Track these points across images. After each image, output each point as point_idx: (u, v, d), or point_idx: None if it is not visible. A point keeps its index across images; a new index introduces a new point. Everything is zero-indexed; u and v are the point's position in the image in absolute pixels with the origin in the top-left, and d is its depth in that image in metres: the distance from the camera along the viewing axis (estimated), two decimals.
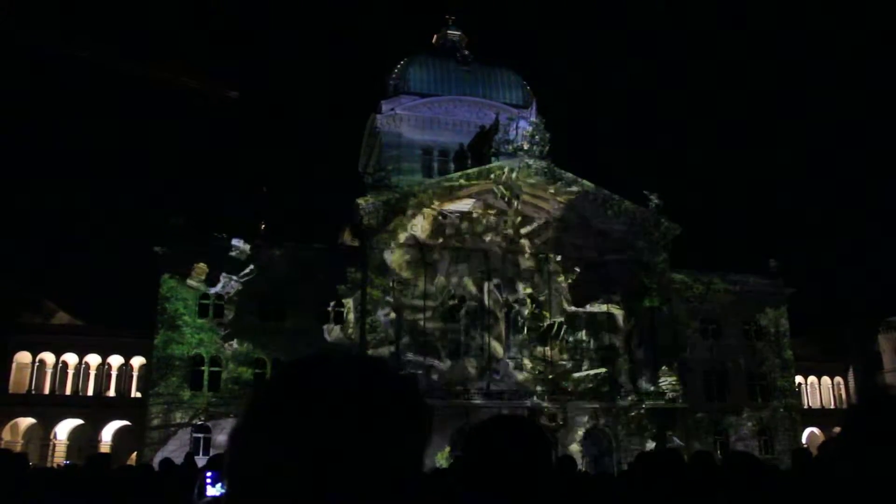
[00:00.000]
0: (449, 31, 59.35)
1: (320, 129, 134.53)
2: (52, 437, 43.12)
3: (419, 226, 42.67)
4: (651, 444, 39.38)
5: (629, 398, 42.07)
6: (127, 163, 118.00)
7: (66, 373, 43.59)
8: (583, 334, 43.50)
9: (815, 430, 49.95)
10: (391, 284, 41.32)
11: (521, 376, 41.67)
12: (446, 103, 52.35)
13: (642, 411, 41.83)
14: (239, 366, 40.18)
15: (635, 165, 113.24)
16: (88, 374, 43.88)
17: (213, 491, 6.72)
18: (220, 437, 37.73)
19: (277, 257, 41.72)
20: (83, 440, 42.89)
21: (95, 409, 43.01)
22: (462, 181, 44.06)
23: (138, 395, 43.56)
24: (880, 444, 1.44)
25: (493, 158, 45.82)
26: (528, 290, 43.21)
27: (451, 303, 42.36)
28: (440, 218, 43.06)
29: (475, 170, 45.22)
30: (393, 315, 40.89)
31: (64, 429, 44.07)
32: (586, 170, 47.64)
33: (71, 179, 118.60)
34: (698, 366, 46.06)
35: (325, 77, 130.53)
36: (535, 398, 40.68)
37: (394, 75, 54.21)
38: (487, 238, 43.53)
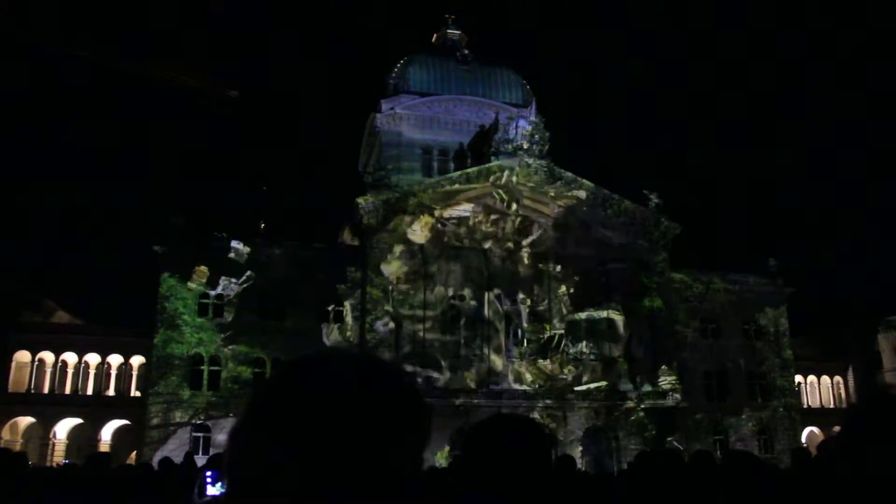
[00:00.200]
0: (449, 31, 59.36)
1: (320, 129, 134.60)
2: (51, 436, 43.14)
3: (418, 233, 42.43)
4: (651, 444, 39.38)
5: (629, 398, 42.06)
6: (127, 162, 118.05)
7: (66, 372, 43.61)
8: (583, 346, 42.90)
9: (815, 429, 50.01)
10: (390, 292, 41.07)
11: (521, 389, 41.50)
12: (446, 102, 52.35)
13: (642, 411, 41.83)
14: (238, 365, 40.17)
15: (635, 165, 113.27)
16: (88, 374, 43.90)
17: (214, 490, 6.73)
18: (220, 437, 37.71)
19: (277, 256, 41.70)
20: (82, 439, 42.90)
21: (95, 409, 43.03)
22: (460, 184, 43.87)
23: (138, 394, 43.58)
24: (880, 444, 1.44)
25: (492, 158, 45.81)
26: (528, 301, 42.84)
27: (450, 313, 42.02)
28: (439, 225, 42.85)
29: (475, 169, 45.21)
30: (392, 325, 40.63)
31: (63, 428, 44.08)
32: (586, 169, 47.54)
33: (71, 179, 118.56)
34: (698, 365, 46.05)
35: (324, 76, 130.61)
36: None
37: (393, 74, 54.21)
38: (486, 245, 43.28)
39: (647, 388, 42.84)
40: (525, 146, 45.67)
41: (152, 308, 40.69)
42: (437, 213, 43.07)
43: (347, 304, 41.97)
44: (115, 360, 44.32)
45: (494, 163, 45.29)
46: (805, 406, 51.32)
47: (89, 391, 43.63)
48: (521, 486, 2.17)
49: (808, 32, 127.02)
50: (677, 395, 42.57)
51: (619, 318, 44.00)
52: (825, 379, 54.54)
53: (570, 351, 42.50)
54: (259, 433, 1.12)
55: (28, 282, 49.46)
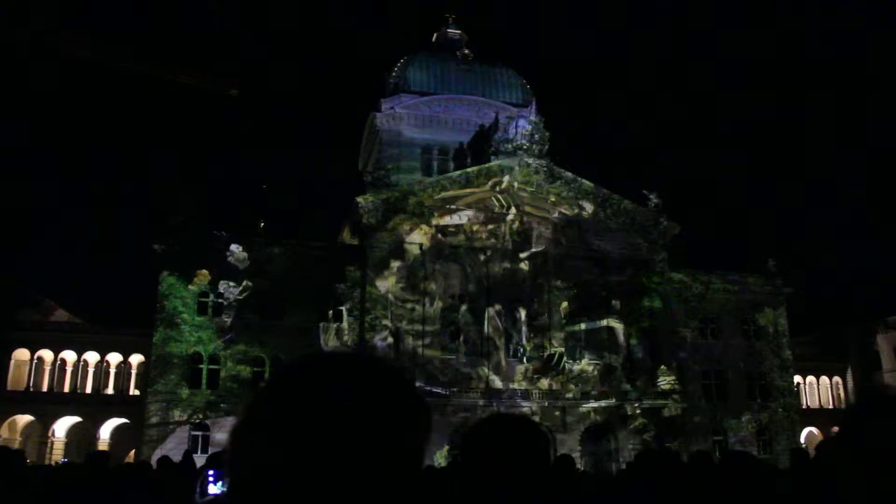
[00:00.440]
0: (449, 30, 59.43)
1: (320, 128, 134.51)
2: (50, 434, 43.15)
3: (416, 243, 42.24)
4: (650, 444, 39.38)
5: (628, 398, 42.07)
6: (127, 161, 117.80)
7: (65, 370, 43.62)
8: (584, 362, 42.49)
9: (814, 429, 50.04)
10: (389, 306, 40.81)
11: (523, 409, 41.40)
12: (446, 102, 52.37)
13: (641, 411, 41.84)
14: (238, 364, 40.16)
15: (635, 165, 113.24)
16: (87, 372, 43.91)
17: (215, 489, 6.74)
18: (219, 435, 37.70)
19: (276, 255, 41.69)
20: (81, 438, 42.94)
21: (94, 407, 43.04)
22: (459, 185, 43.80)
23: (137, 392, 43.58)
24: (878, 445, 1.44)
25: (492, 157, 45.84)
26: (527, 316, 42.51)
27: (449, 329, 41.68)
28: (439, 235, 42.68)
29: (475, 168, 45.22)
30: (391, 339, 40.47)
31: (62, 426, 44.09)
32: (586, 169, 47.56)
33: (71, 179, 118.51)
34: (697, 365, 46.08)
35: (325, 75, 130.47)
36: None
37: (393, 74, 54.25)
38: (484, 257, 42.94)
39: (647, 387, 42.85)
40: (525, 146, 45.69)
41: (151, 306, 40.69)
42: (435, 220, 42.79)
43: (344, 309, 41.80)
44: (114, 358, 44.32)
45: (494, 162, 45.31)
46: (804, 406, 51.34)
47: (88, 389, 43.64)
48: (520, 486, 2.18)
49: (809, 32, 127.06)
50: (676, 396, 42.58)
51: (618, 326, 43.81)
52: (824, 379, 54.57)
53: (573, 368, 41.99)
54: (259, 433, 1.13)
55: (27, 280, 49.47)
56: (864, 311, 56.50)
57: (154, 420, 38.94)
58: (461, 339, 41.76)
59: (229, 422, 37.79)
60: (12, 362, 42.68)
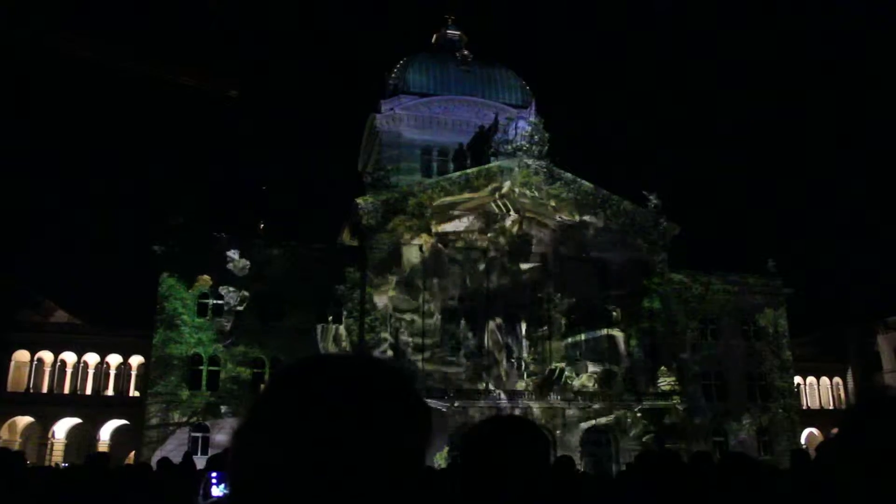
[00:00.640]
0: (448, 31, 59.47)
1: (320, 129, 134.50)
2: (50, 435, 43.15)
3: (416, 254, 42.08)
4: (650, 445, 39.35)
5: (628, 399, 42.04)
6: (127, 161, 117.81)
7: (65, 371, 43.62)
8: (585, 377, 42.01)
9: (815, 430, 50.02)
10: (388, 319, 40.65)
11: (521, 391, 41.26)
12: (445, 103, 52.40)
13: (641, 412, 41.81)
14: (237, 365, 40.17)
15: (634, 166, 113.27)
16: (87, 373, 43.92)
17: (218, 491, 6.76)
18: (219, 437, 37.71)
19: (276, 257, 41.70)
20: (81, 439, 42.94)
21: (94, 408, 43.05)
22: (459, 186, 43.76)
23: (137, 394, 43.59)
24: (878, 446, 1.44)
25: (492, 158, 45.84)
26: (528, 329, 42.28)
27: (450, 343, 41.34)
28: (438, 245, 42.52)
29: (474, 169, 45.23)
30: (391, 353, 40.32)
31: (62, 428, 44.09)
32: (586, 170, 47.54)
33: (71, 179, 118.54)
34: (697, 366, 46.07)
35: (324, 76, 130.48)
36: (534, 399, 40.61)
37: (393, 75, 54.27)
38: (483, 266, 42.77)
39: (647, 388, 42.83)
40: (524, 147, 45.69)
41: (151, 308, 40.70)
42: (435, 227, 42.60)
43: (344, 312, 41.72)
44: (114, 359, 44.33)
45: (494, 163, 45.31)
46: (804, 407, 51.32)
47: (88, 391, 43.64)
48: (520, 487, 2.18)
49: (809, 32, 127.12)
50: (676, 397, 42.55)
51: (619, 335, 43.72)
52: (824, 380, 54.56)
53: (574, 384, 41.60)
54: (259, 435, 1.13)
55: (27, 281, 49.46)
56: (864, 312, 56.51)
57: (154, 421, 38.94)
58: (461, 353, 41.46)
59: (229, 423, 37.88)
60: (12, 364, 42.69)
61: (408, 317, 41.13)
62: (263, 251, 41.72)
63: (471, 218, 43.56)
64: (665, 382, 42.96)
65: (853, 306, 65.16)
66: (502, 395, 39.82)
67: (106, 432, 43.74)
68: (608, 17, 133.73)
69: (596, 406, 41.43)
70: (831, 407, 53.12)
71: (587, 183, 46.05)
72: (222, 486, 6.72)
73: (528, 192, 44.71)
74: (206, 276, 40.27)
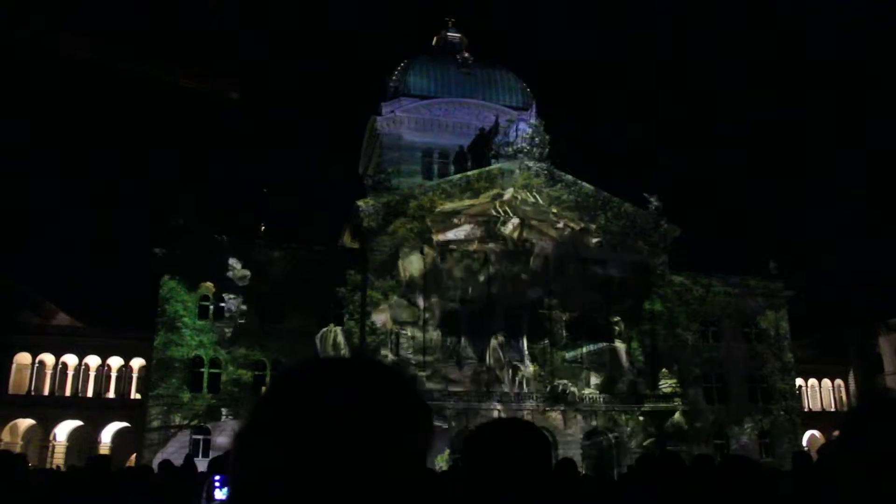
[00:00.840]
0: (449, 34, 59.57)
1: (320, 131, 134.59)
2: (51, 438, 43.13)
3: (415, 265, 41.95)
4: (651, 447, 39.32)
5: (629, 401, 42.01)
6: (127, 162, 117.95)
7: (66, 374, 43.61)
8: (588, 391, 41.64)
9: (816, 432, 49.92)
10: (388, 335, 40.52)
11: (521, 393, 41.13)
12: (446, 105, 52.47)
13: (642, 414, 41.77)
14: (239, 368, 40.17)
15: (635, 168, 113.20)
16: (88, 376, 43.90)
17: (221, 494, 6.75)
18: (220, 439, 37.72)
19: (277, 259, 41.72)
20: (82, 442, 42.91)
21: (95, 411, 43.03)
22: (459, 194, 43.70)
23: (138, 396, 43.57)
24: (880, 448, 1.44)
25: (492, 160, 45.87)
26: (531, 345, 42.16)
27: (453, 360, 41.08)
28: (438, 259, 42.35)
29: (475, 172, 45.27)
30: None
31: (63, 430, 44.07)
32: (586, 172, 47.58)
33: (71, 180, 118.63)
34: (698, 369, 46.04)
35: (325, 79, 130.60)
36: (536, 402, 40.53)
37: (394, 77, 54.36)
38: (484, 278, 42.63)
39: (648, 390, 42.80)
40: (525, 149, 45.72)
41: (153, 310, 40.73)
42: (435, 235, 42.57)
43: (345, 321, 41.67)
44: (116, 362, 44.33)
45: (495, 165, 45.34)
46: (806, 409, 51.23)
47: (89, 393, 43.63)
48: (522, 490, 2.18)
49: (808, 32, 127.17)
50: (678, 399, 42.51)
51: (621, 347, 43.56)
52: (826, 382, 54.48)
53: (578, 401, 41.34)
54: (260, 437, 1.13)
55: (28, 283, 49.45)
56: (865, 314, 56.38)
57: (155, 424, 38.94)
58: (463, 369, 41.21)
59: (230, 425, 37.89)
60: (14, 366, 42.69)
61: (408, 331, 40.92)
62: (264, 253, 41.75)
63: (471, 226, 43.45)
64: (666, 385, 42.94)
65: (854, 308, 65.03)
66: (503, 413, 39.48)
67: (107, 435, 43.73)
68: (608, 18, 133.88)
69: (597, 409, 41.39)
70: (833, 409, 53.01)
71: (588, 185, 46.06)
72: (225, 489, 6.72)
73: (529, 197, 44.60)
74: (209, 283, 40.42)
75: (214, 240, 41.28)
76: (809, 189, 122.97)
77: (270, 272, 41.13)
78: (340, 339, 40.89)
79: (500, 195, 44.25)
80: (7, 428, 42.44)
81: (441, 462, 34.03)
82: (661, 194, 47.17)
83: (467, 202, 43.72)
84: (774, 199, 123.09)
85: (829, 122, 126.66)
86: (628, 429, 41.54)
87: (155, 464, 19.90)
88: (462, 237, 43.21)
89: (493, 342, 41.71)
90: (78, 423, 43.59)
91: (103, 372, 44.09)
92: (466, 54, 57.23)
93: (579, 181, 45.98)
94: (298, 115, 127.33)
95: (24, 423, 43.71)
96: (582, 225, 45.08)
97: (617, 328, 43.59)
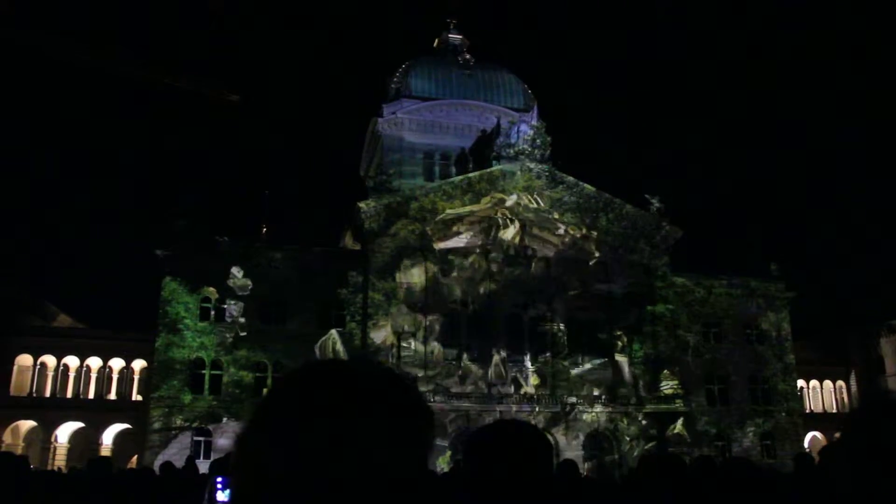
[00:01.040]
0: (450, 35, 59.56)
1: (322, 133, 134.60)
2: (52, 440, 43.12)
3: (415, 277, 41.77)
4: (653, 449, 39.28)
5: (631, 403, 41.97)
6: (128, 165, 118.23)
7: (68, 376, 43.61)
8: (595, 415, 41.25)
9: (818, 434, 49.78)
10: (389, 350, 40.39)
11: (522, 394, 41.02)
12: (447, 107, 52.48)
13: (644, 416, 41.73)
14: (240, 369, 40.17)
15: (636, 169, 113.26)
16: (90, 377, 43.89)
17: (223, 496, 6.75)
18: (222, 441, 37.71)
19: (278, 261, 41.73)
20: (84, 443, 42.88)
21: (96, 413, 43.03)
22: (460, 196, 43.68)
23: (139, 398, 43.57)
24: (880, 450, 1.44)
25: (494, 162, 45.86)
26: (533, 359, 41.95)
27: (456, 376, 40.76)
28: (439, 276, 42.16)
29: (476, 174, 45.26)
30: None
31: (65, 432, 44.06)
32: (588, 173, 47.59)
33: (72, 181, 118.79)
34: (700, 370, 45.98)
35: (326, 80, 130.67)
36: (537, 403, 40.48)
37: (395, 79, 54.38)
38: (484, 291, 42.61)
39: (649, 392, 42.74)
40: (527, 150, 45.72)
41: (154, 311, 40.74)
42: (436, 244, 42.47)
43: (346, 322, 41.63)
44: (117, 363, 44.32)
45: (496, 167, 45.33)
46: (808, 411, 51.13)
47: (91, 395, 43.62)
48: (523, 491, 2.18)
49: (808, 32, 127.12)
50: (679, 401, 42.46)
51: (623, 360, 43.31)
52: (828, 383, 54.36)
53: (583, 418, 41.11)
54: (261, 439, 1.14)
55: (29, 285, 49.51)
56: (867, 315, 56.37)
57: (157, 425, 38.95)
58: (465, 385, 40.92)
59: (232, 427, 37.88)
60: (15, 368, 42.69)
61: (410, 344, 40.74)
62: (265, 255, 41.76)
63: (472, 234, 43.36)
64: (668, 386, 42.90)
65: (856, 309, 65.13)
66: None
67: (108, 436, 43.72)
68: (608, 18, 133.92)
69: (599, 411, 41.33)
70: (834, 411, 52.91)
71: (589, 186, 46.03)
72: (227, 491, 6.72)
73: (530, 203, 44.47)
74: (211, 289, 40.48)
75: (216, 241, 41.28)
76: (811, 190, 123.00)
77: (272, 274, 41.14)
78: (340, 347, 40.75)
79: (503, 201, 44.12)
80: (8, 430, 42.44)
81: (443, 464, 34.03)
82: (662, 196, 47.14)
83: (468, 208, 43.61)
84: (776, 199, 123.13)
85: (830, 122, 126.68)
86: (630, 430, 41.49)
87: (156, 465, 19.91)
88: (463, 244, 43.08)
89: (496, 358, 41.48)
90: (79, 424, 43.58)
91: (105, 373, 44.08)
92: (468, 56, 57.27)
93: (580, 183, 45.95)
94: (299, 116, 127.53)
95: (26, 424, 43.72)
96: (583, 231, 44.90)
97: (619, 342, 43.38)
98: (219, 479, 6.92)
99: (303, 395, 1.15)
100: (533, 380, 41.83)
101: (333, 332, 41.14)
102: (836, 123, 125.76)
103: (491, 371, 41.29)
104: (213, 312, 40.92)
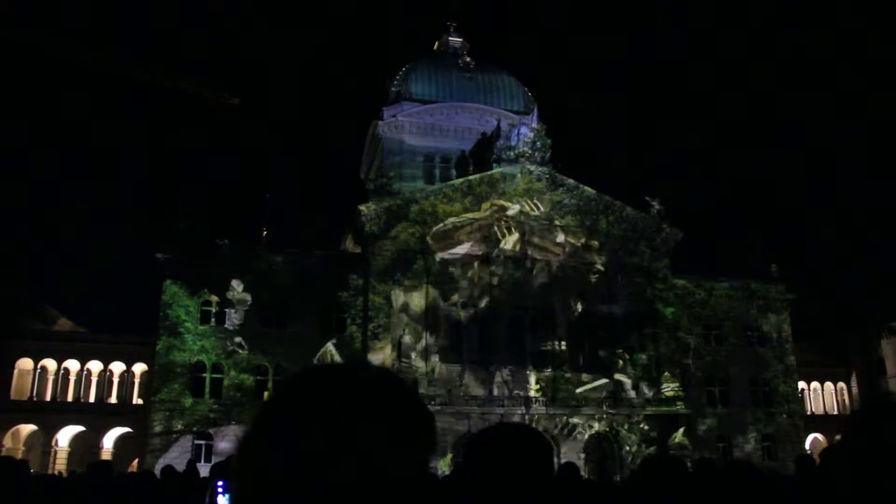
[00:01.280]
0: (450, 38, 59.62)
1: (322, 136, 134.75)
2: (53, 444, 43.10)
3: (416, 301, 41.68)
4: (654, 451, 39.24)
5: (632, 405, 41.93)
6: (128, 165, 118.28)
7: (68, 379, 43.61)
8: (598, 426, 41.14)
9: (819, 436, 49.75)
10: (391, 368, 40.07)
11: (523, 396, 40.97)
12: (448, 110, 52.50)
13: (644, 418, 41.67)
14: (241, 373, 40.14)
15: (636, 171, 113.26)
16: (90, 381, 43.90)
17: (224, 500, 6.75)
18: (222, 444, 37.69)
19: (279, 264, 41.73)
20: (84, 447, 42.86)
21: (97, 416, 43.02)
22: (460, 200, 43.66)
23: (140, 401, 43.56)
24: (881, 452, 1.44)
25: (494, 165, 45.88)
26: (538, 387, 41.69)
27: (459, 394, 40.41)
28: (440, 300, 42.00)
29: (477, 176, 45.27)
30: None
31: (65, 436, 44.04)
32: (588, 175, 47.53)
33: (72, 181, 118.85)
34: (700, 371, 45.96)
35: (326, 83, 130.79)
36: (537, 405, 40.44)
37: (395, 82, 54.42)
38: (485, 304, 42.40)
39: (650, 394, 42.70)
40: (527, 153, 45.73)
41: (154, 315, 40.72)
42: (437, 253, 42.46)
43: (347, 325, 41.58)
44: (118, 367, 44.31)
45: (496, 170, 45.34)
46: (809, 413, 51.09)
47: (91, 399, 43.62)
48: (523, 494, 2.17)
49: (808, 32, 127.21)
50: (680, 403, 42.40)
51: (627, 380, 43.08)
52: (828, 385, 54.34)
53: (586, 436, 41.04)
54: (261, 442, 1.14)
55: (30, 288, 49.51)
56: (867, 317, 56.35)
57: (157, 429, 38.92)
58: (470, 404, 40.36)
59: (233, 431, 37.84)
60: (15, 372, 42.70)
61: (411, 362, 40.53)
62: (266, 258, 41.77)
63: (471, 243, 43.30)
64: (669, 388, 42.86)
65: (857, 311, 65.11)
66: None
67: (109, 440, 43.71)
68: (608, 20, 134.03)
69: (600, 413, 41.29)
70: (835, 412, 52.87)
71: (589, 189, 46.04)
72: (228, 495, 6.73)
73: (531, 210, 44.41)
74: (214, 297, 40.49)
75: (216, 245, 41.29)
76: (811, 190, 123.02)
77: (272, 277, 41.14)
78: (337, 360, 40.60)
79: (504, 209, 44.06)
80: (9, 434, 42.43)
81: (444, 466, 33.99)
82: (662, 198, 47.16)
83: (469, 216, 43.54)
84: (776, 201, 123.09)
85: (830, 122, 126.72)
86: (631, 433, 41.44)
87: (157, 469, 19.89)
88: (463, 253, 43.03)
89: (499, 377, 41.35)
90: (80, 428, 43.57)
91: (105, 377, 44.08)
92: (468, 58, 57.30)
93: (581, 185, 45.95)
94: (300, 119, 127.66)
95: (26, 428, 43.72)
96: (583, 240, 44.82)
97: (620, 361, 43.26)
98: (220, 483, 6.92)
99: (302, 399, 1.16)
100: (534, 389, 41.71)
101: (329, 344, 40.93)
102: (836, 123, 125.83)
103: (495, 388, 41.04)
104: (213, 316, 40.89)
